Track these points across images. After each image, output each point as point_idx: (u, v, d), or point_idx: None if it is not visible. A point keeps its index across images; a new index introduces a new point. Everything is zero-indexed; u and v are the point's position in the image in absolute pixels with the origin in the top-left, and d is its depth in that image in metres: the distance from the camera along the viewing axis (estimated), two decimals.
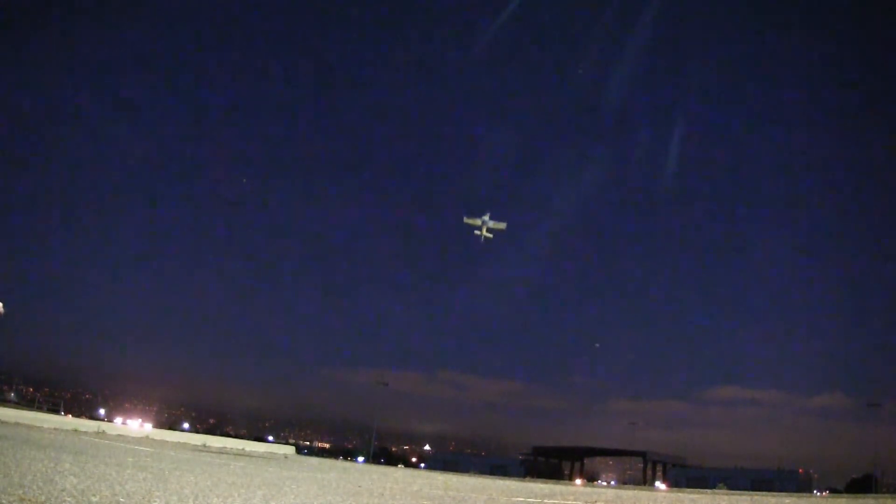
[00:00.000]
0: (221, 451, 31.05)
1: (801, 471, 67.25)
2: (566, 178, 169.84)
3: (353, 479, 17.92)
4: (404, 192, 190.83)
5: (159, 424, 79.63)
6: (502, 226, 32.30)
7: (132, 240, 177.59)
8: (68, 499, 6.83)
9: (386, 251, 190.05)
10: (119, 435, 33.91)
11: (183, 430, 71.50)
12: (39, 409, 65.11)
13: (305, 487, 12.34)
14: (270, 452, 41.23)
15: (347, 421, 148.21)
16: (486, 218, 32.14)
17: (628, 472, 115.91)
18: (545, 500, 14.94)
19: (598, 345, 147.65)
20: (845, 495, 50.81)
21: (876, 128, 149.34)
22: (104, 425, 40.69)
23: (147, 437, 36.93)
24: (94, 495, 7.32)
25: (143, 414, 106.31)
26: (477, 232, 32.32)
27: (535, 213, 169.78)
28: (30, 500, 6.45)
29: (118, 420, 69.41)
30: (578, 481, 68.40)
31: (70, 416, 61.41)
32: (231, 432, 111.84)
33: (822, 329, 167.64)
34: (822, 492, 63.29)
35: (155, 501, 7.49)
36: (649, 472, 75.78)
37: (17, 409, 47.75)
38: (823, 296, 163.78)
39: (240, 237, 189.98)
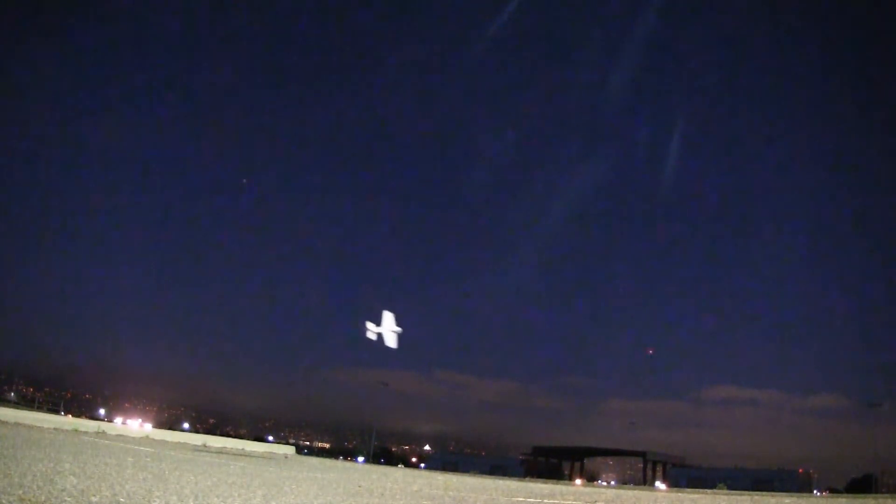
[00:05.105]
0: (221, 452, 31.03)
1: (801, 471, 67.20)
2: (565, 178, 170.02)
3: (353, 479, 17.91)
4: (404, 192, 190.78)
5: (159, 424, 79.65)
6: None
7: (132, 239, 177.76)
8: (68, 499, 6.83)
9: (386, 251, 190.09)
10: (119, 435, 33.91)
11: (183, 430, 71.49)
12: (39, 409, 65.21)
13: (305, 487, 12.34)
14: (270, 452, 41.21)
15: (347, 421, 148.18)
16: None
17: (628, 472, 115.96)
18: (545, 500, 14.94)
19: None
20: (845, 495, 50.76)
21: (877, 128, 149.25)
22: (104, 425, 40.69)
23: (147, 437, 36.91)
24: (94, 495, 7.32)
25: (143, 414, 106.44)
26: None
27: (535, 213, 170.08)
28: (30, 500, 6.45)
29: (118, 420, 69.47)
30: (578, 481, 68.37)
31: (70, 416, 61.43)
32: (231, 432, 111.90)
33: (821, 329, 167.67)
34: (822, 492, 63.26)
35: (155, 501, 7.49)
36: (649, 472, 75.75)
37: (17, 409, 47.80)
38: (822, 295, 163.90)
39: (239, 237, 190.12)
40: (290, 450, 51.98)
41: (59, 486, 7.65)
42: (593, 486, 53.16)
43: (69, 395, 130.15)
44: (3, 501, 6.22)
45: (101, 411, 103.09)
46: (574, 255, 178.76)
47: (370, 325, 27.78)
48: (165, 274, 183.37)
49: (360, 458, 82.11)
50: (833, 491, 68.26)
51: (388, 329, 27.76)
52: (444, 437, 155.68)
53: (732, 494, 27.87)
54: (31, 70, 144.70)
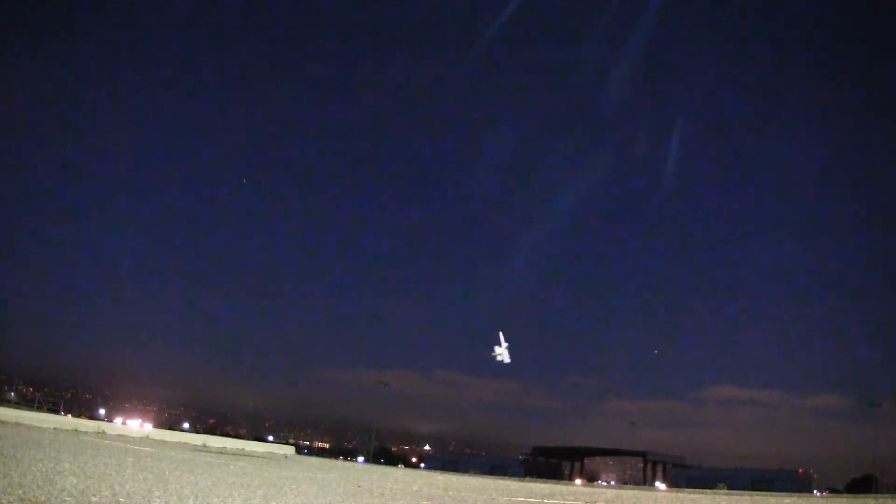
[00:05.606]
0: (221, 452, 31.05)
1: (801, 471, 67.19)
2: (565, 179, 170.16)
3: (353, 479, 17.92)
4: (403, 192, 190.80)
5: (159, 424, 79.70)
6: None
7: (132, 239, 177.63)
8: (68, 499, 6.83)
9: (385, 251, 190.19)
10: (119, 435, 33.91)
11: (183, 430, 71.51)
12: (39, 409, 65.24)
13: (305, 487, 12.34)
14: (270, 452, 41.22)
15: (347, 421, 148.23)
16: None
17: (628, 472, 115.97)
18: (545, 500, 14.94)
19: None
20: (845, 495, 50.80)
21: (877, 127, 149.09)
22: (104, 425, 40.71)
23: (147, 437, 36.92)
24: (94, 495, 7.32)
25: (143, 414, 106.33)
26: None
27: (535, 213, 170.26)
28: (30, 500, 6.46)
29: (118, 420, 69.46)
30: (578, 481, 68.37)
31: (70, 416, 61.45)
32: (231, 432, 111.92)
33: (821, 329, 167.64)
34: (822, 492, 63.25)
35: (155, 501, 7.49)
36: (649, 472, 75.79)
37: (17, 409, 47.82)
38: (822, 295, 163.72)
39: (239, 237, 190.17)
40: (290, 450, 51.98)
41: (59, 486, 7.65)
42: (593, 486, 53.17)
43: (69, 395, 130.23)
44: (3, 501, 6.23)
45: (101, 411, 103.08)
46: (574, 255, 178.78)
47: (498, 349, 29.46)
48: (165, 274, 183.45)
49: (360, 458, 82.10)
50: (833, 491, 68.30)
51: (504, 346, 29.50)
52: (444, 437, 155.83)
53: (732, 494, 27.89)
54: (34, 71, 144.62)
